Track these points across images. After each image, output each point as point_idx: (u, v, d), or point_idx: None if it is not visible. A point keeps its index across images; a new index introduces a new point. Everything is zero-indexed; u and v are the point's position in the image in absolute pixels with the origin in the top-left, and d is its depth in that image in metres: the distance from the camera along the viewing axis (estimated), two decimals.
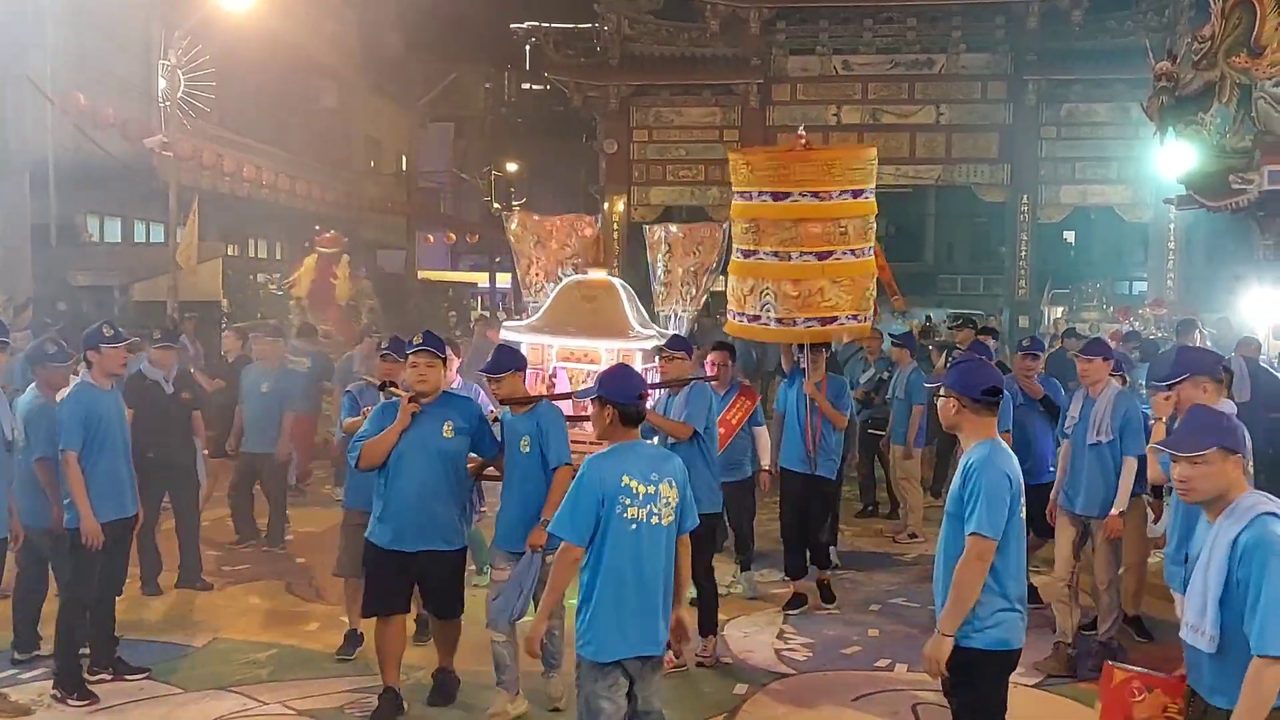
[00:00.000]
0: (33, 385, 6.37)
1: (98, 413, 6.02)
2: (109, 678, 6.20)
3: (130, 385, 7.90)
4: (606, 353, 7.86)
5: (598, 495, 4.17)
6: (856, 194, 7.22)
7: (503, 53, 41.75)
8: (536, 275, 9.01)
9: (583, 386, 7.17)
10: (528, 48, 38.99)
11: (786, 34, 23.97)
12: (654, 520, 4.23)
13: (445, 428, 5.52)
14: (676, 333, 8.08)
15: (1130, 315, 19.38)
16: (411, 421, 5.48)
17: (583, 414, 6.66)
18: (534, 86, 46.58)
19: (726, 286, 7.97)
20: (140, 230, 21.37)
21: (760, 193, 7.29)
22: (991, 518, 3.95)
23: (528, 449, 5.60)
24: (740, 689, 6.23)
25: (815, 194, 7.11)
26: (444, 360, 5.63)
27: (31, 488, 6.17)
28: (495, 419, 6.00)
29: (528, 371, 6.78)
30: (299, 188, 23.58)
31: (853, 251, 7.25)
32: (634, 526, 4.19)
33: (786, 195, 7.15)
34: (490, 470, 5.96)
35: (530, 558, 5.43)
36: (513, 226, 9.33)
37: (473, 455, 5.76)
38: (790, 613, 7.60)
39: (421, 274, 34.71)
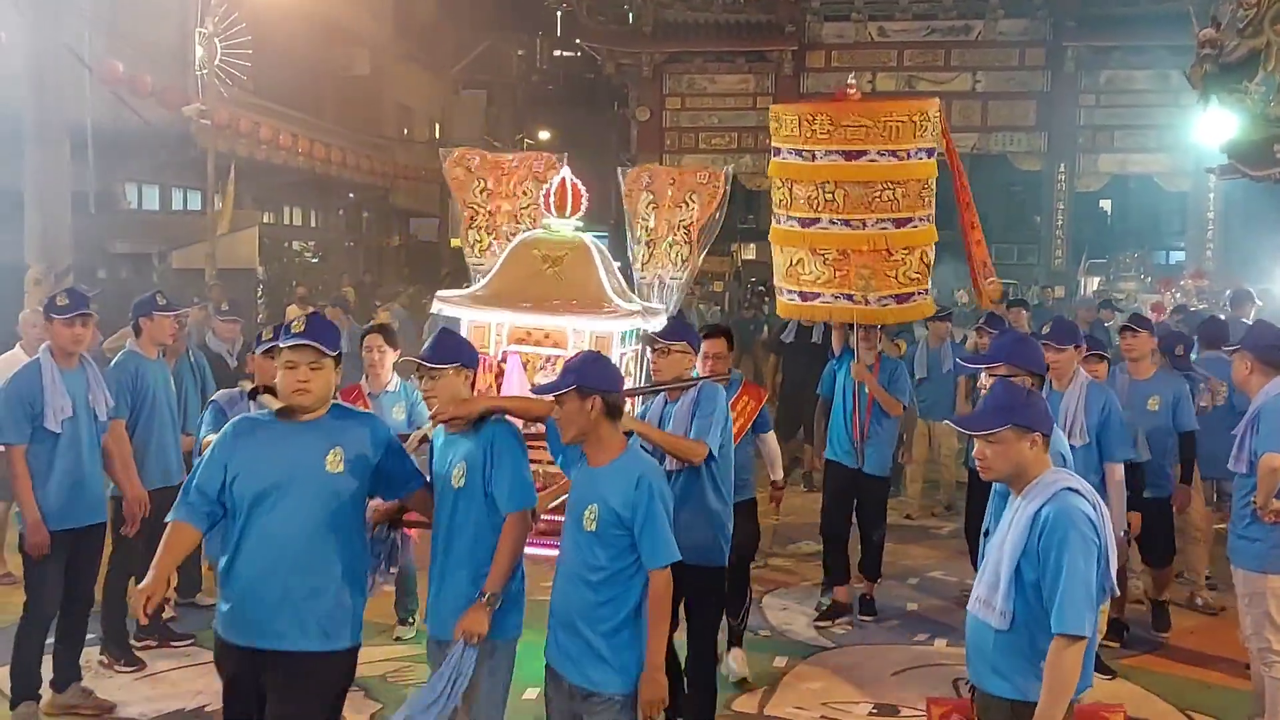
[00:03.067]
0: (126, 345, 6.28)
1: (145, 381, 6.09)
2: (155, 644, 6.33)
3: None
4: (575, 334, 5.87)
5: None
6: (929, 153, 6.61)
7: (535, 19, 41.48)
8: (482, 231, 7.02)
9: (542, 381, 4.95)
10: (560, 14, 38.77)
11: (821, 0, 23.72)
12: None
13: (331, 458, 3.67)
14: (676, 315, 6.34)
15: (1172, 286, 19.14)
16: (280, 444, 3.69)
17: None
18: (566, 54, 46.31)
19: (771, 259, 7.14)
20: (178, 198, 21.50)
21: (829, 151, 6.51)
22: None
23: (463, 481, 3.89)
24: (780, 662, 6.29)
25: (894, 153, 6.46)
26: (336, 358, 3.74)
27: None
28: (424, 437, 4.36)
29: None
30: (333, 155, 23.65)
31: (925, 219, 6.65)
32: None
33: (862, 154, 6.45)
34: (414, 514, 4.21)
35: (461, 652, 3.76)
36: (453, 168, 7.09)
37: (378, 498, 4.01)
38: (824, 625, 6.83)
39: (455, 241, 34.76)
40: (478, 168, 7.02)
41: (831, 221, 6.54)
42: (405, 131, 33.30)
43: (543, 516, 4.53)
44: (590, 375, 3.69)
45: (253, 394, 4.32)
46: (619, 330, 5.84)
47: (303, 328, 3.71)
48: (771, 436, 6.37)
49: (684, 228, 7.04)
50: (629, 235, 7.25)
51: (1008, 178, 30.94)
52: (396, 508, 4.13)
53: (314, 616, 3.61)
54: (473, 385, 4.16)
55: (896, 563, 8.23)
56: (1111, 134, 23.10)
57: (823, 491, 7.31)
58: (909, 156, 6.45)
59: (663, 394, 5.07)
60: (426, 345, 4.16)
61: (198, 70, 16.75)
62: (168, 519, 3.77)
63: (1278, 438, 4.90)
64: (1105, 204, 33.68)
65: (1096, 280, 24.19)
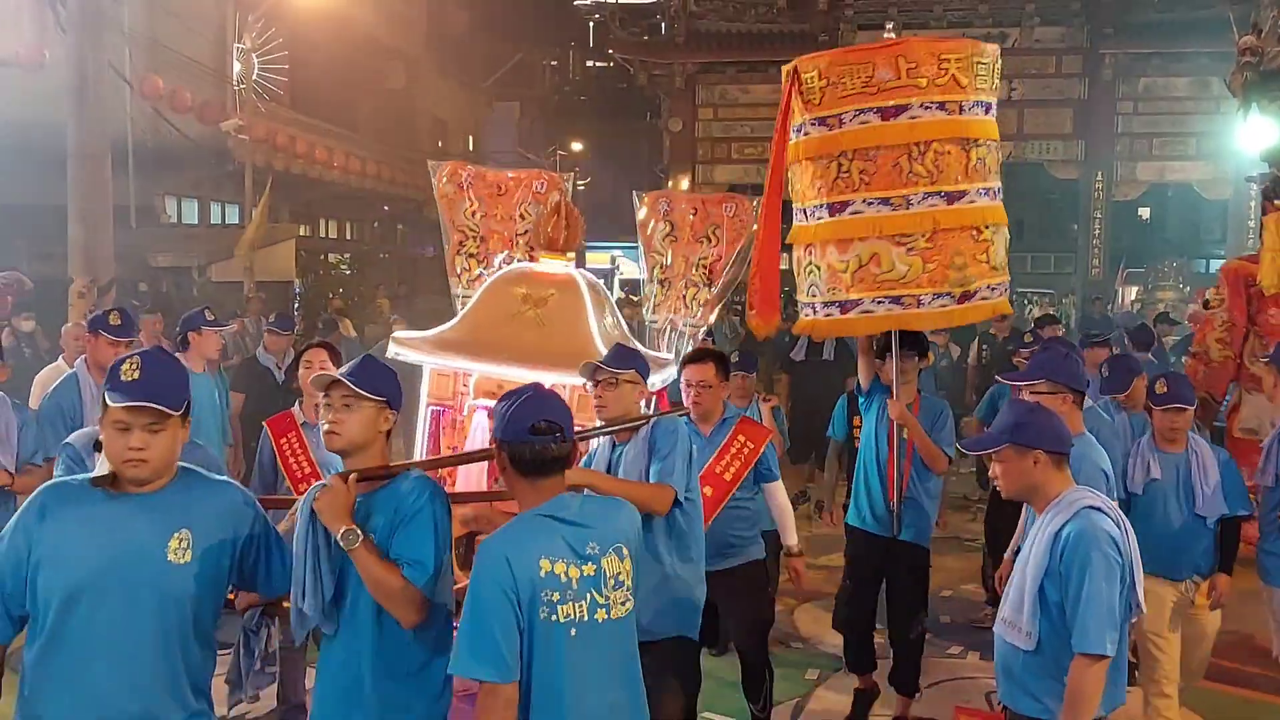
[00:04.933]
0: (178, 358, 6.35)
1: (193, 395, 6.14)
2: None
3: (241, 371, 8.09)
4: (555, 390, 4.32)
5: (508, 595, 2.69)
6: (988, 109, 5.12)
7: (567, 31, 41.70)
8: (471, 259, 6.08)
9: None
10: (592, 25, 38.91)
11: (854, 9, 23.65)
12: (600, 616, 2.80)
13: (174, 544, 2.77)
14: (622, 344, 4.46)
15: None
16: (105, 525, 2.75)
17: (491, 492, 4.22)
18: (598, 65, 46.45)
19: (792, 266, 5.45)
20: (216, 212, 21.80)
21: (860, 111, 4.87)
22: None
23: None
24: (812, 674, 6.26)
25: (942, 105, 4.88)
26: (182, 416, 2.86)
27: None
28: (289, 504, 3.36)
29: (428, 409, 4.54)
30: (369, 169, 23.91)
31: (987, 191, 5.07)
32: (573, 633, 2.75)
33: (904, 109, 4.82)
34: (251, 597, 3.21)
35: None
36: (442, 183, 6.17)
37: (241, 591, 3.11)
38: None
39: None
40: (471, 185, 6.09)
41: (866, 204, 4.90)
42: (439, 144, 33.56)
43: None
44: (496, 420, 2.94)
45: (97, 446, 3.03)
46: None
47: (137, 376, 2.74)
48: (779, 488, 5.07)
49: (704, 266, 6.18)
50: (642, 270, 6.35)
51: (1044, 186, 30.72)
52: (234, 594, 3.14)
53: None
54: (388, 434, 3.14)
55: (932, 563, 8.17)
56: (1150, 142, 22.86)
57: (845, 566, 5.84)
58: (987, 110, 5.10)
59: (610, 437, 4.14)
60: (347, 367, 3.14)
61: (236, 85, 17.03)
62: None
63: None
64: (1144, 212, 33.36)
65: (1134, 290, 23.95)
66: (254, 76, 16.81)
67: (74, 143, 13.96)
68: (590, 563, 2.80)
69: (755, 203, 6.17)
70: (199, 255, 17.16)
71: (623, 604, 2.85)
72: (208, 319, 6.28)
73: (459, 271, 6.07)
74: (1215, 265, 28.10)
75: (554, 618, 2.72)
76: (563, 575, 2.74)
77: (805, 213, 5.21)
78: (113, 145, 14.79)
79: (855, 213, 4.94)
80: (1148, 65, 22.48)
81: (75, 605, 2.68)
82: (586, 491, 3.27)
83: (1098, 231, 23.39)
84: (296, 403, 5.34)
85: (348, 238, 29.04)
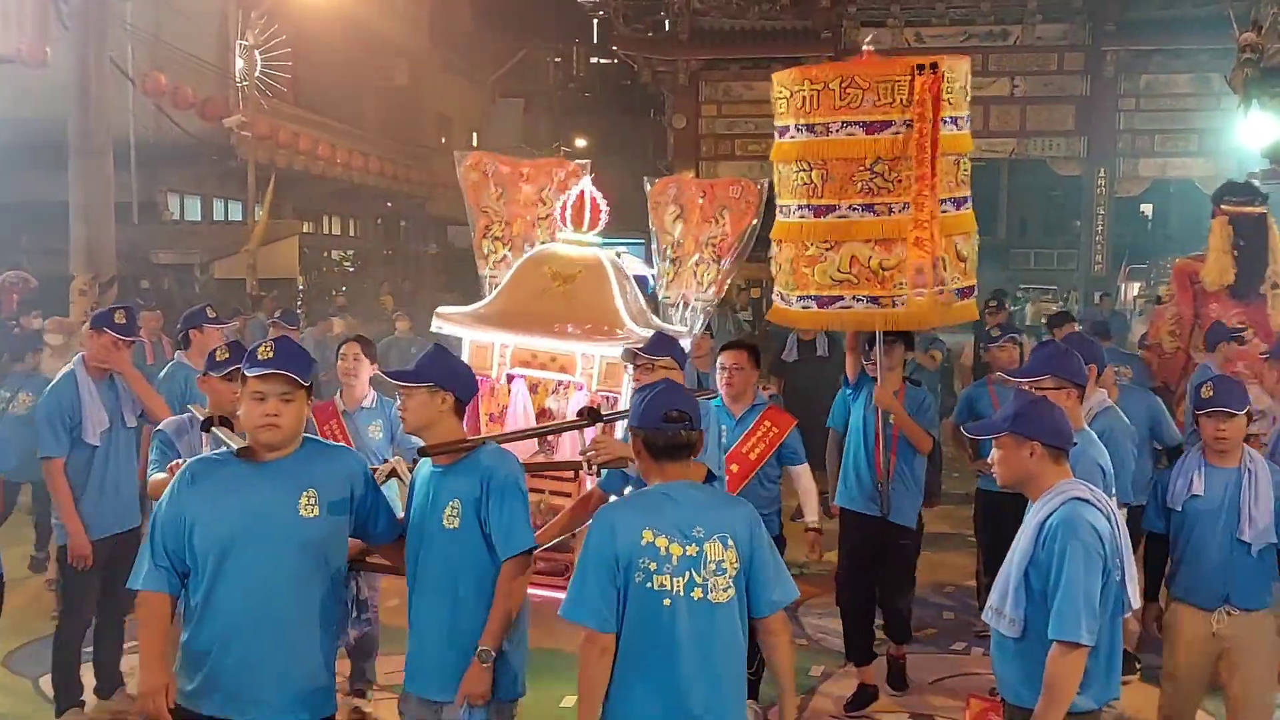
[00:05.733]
0: (175, 357, 6.35)
1: (195, 393, 6.16)
2: None
3: None
4: (584, 359, 5.49)
5: (609, 557, 3.07)
6: (957, 123, 5.31)
7: (571, 27, 41.67)
8: (497, 241, 6.46)
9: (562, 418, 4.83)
10: (596, 22, 38.91)
11: (858, 6, 23.62)
12: (697, 594, 3.07)
13: (304, 501, 3.26)
14: (660, 330, 5.35)
15: None
16: (246, 488, 3.25)
17: (543, 461, 5.01)
18: (602, 61, 46.42)
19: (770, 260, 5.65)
20: (219, 208, 21.83)
21: (846, 124, 5.14)
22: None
23: (456, 522, 3.42)
24: (816, 670, 6.27)
25: (954, 120, 5.22)
26: (308, 388, 3.33)
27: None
28: (391, 471, 3.74)
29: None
30: (371, 165, 23.95)
31: (955, 201, 5.32)
32: (667, 602, 3.06)
33: (887, 125, 5.07)
34: (377, 557, 3.73)
35: (465, 716, 3.39)
36: (464, 171, 6.59)
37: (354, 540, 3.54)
38: (856, 715, 5.72)
39: None
40: (495, 173, 6.50)
41: (848, 208, 5.18)
42: (443, 140, 33.58)
43: (542, 555, 4.20)
44: (633, 409, 3.33)
45: (206, 425, 3.77)
46: None
47: (271, 353, 3.25)
48: (805, 471, 5.52)
49: (712, 245, 6.49)
50: (654, 250, 6.73)
51: (1047, 183, 30.77)
52: (359, 548, 3.61)
53: (293, 683, 3.25)
54: (459, 412, 3.61)
55: (933, 571, 8.18)
56: (1152, 138, 22.83)
57: (838, 548, 6.01)
58: (965, 125, 5.34)
59: None
60: (414, 363, 3.69)
61: (239, 82, 17.05)
62: (133, 586, 3.29)
63: None
64: (1146, 208, 33.38)
65: (1137, 285, 23.94)
66: (257, 73, 16.83)
67: (76, 139, 13.98)
68: (693, 544, 3.08)
69: (760, 186, 6.46)
70: (201, 252, 17.20)
71: (724, 590, 3.10)
72: (209, 316, 6.27)
73: (485, 253, 6.44)
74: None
75: (649, 585, 3.05)
76: (663, 549, 3.06)
77: (788, 210, 5.42)
78: (115, 142, 14.79)
79: (841, 216, 5.19)
80: (1149, 62, 22.44)
81: (227, 556, 3.19)
82: (716, 483, 3.69)
83: (1100, 228, 23.37)
84: (338, 392, 5.76)
85: (351, 234, 29.07)
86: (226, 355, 4.25)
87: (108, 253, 14.05)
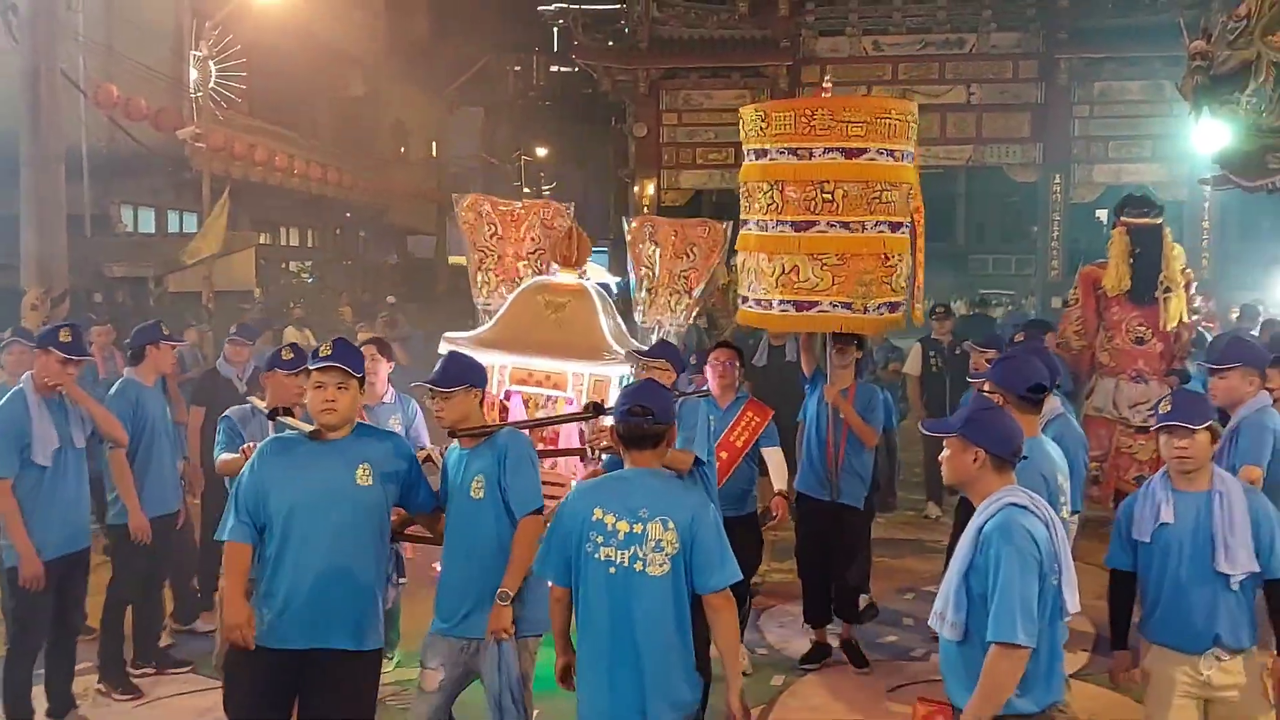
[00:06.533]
0: (125, 374, 6.23)
1: (146, 409, 6.10)
2: (153, 671, 6.31)
3: (202, 383, 7.93)
4: (574, 377, 6.33)
5: (565, 528, 3.65)
6: (894, 155, 5.94)
7: (531, 36, 41.68)
8: (490, 274, 7.36)
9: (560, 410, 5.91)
10: (556, 31, 38.91)
11: (816, 15, 23.78)
12: (638, 567, 3.54)
13: (360, 472, 3.98)
14: (663, 340, 6.51)
15: None
16: (312, 462, 4.00)
17: (553, 448, 5.95)
18: (563, 70, 46.41)
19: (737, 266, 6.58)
20: (174, 220, 21.59)
21: (780, 149, 5.92)
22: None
23: (482, 493, 4.21)
24: (778, 680, 6.28)
25: (844, 151, 5.81)
26: (360, 380, 4.10)
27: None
28: (426, 458, 4.56)
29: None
30: (329, 175, 23.77)
31: (891, 225, 5.94)
32: (612, 570, 3.56)
33: (809, 152, 5.83)
34: (415, 529, 4.57)
35: (495, 652, 4.20)
36: (463, 212, 7.43)
37: (397, 509, 4.30)
38: (808, 667, 6.43)
39: (452, 259, 34.90)
40: (488, 213, 7.33)
41: (829, 225, 5.86)
42: (402, 150, 33.42)
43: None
44: (616, 403, 3.90)
45: (272, 414, 4.57)
46: (616, 374, 6.21)
47: (330, 351, 4.03)
48: (777, 450, 6.27)
49: (684, 277, 7.38)
50: (632, 282, 7.58)
51: (1004, 189, 31.06)
52: (399, 520, 4.38)
53: (350, 618, 3.97)
54: (481, 402, 4.51)
55: (893, 576, 8.21)
56: (1106, 145, 23.12)
57: (796, 529, 6.78)
58: (903, 158, 5.97)
59: None
60: (436, 369, 4.45)
61: (193, 93, 16.83)
62: (221, 538, 4.05)
63: (1255, 451, 4.91)
64: (1101, 214, 33.74)
65: None
66: (211, 84, 16.64)
67: (27, 151, 13.78)
68: (639, 523, 3.55)
69: (725, 225, 7.36)
70: (155, 265, 16.96)
71: (660, 566, 3.55)
72: (164, 333, 6.23)
73: (480, 285, 7.34)
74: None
75: (596, 555, 3.57)
76: (610, 525, 3.57)
77: (753, 224, 6.14)
78: (67, 153, 14.58)
79: (819, 231, 5.88)
80: (1102, 69, 22.74)
81: (295, 517, 3.92)
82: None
83: (1056, 233, 23.66)
84: None
85: (309, 245, 28.83)
86: (292, 355, 5.06)
87: (59, 266, 13.84)
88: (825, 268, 5.88)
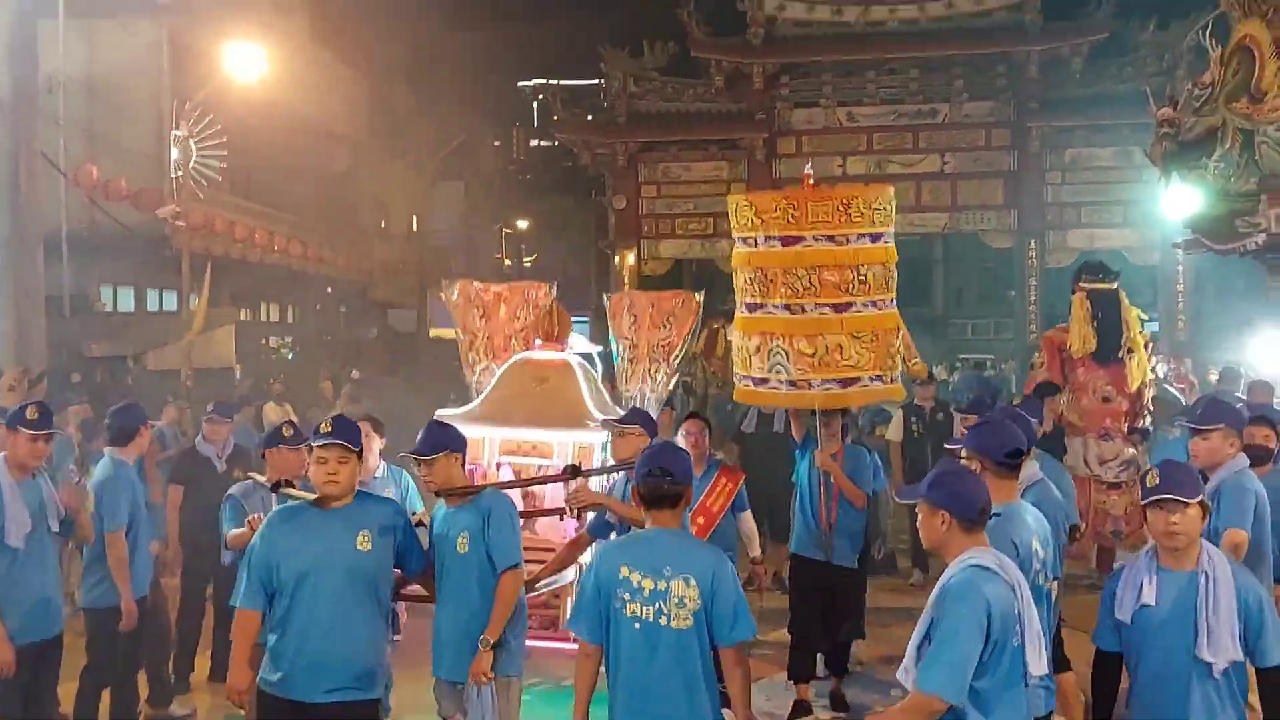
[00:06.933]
0: (107, 451, 6.22)
1: (135, 491, 6.16)
2: None
3: (181, 462, 7.87)
4: (559, 445, 6.71)
5: (594, 585, 3.89)
6: (875, 238, 6.37)
7: (511, 111, 42.25)
8: (480, 352, 7.78)
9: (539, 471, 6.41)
10: (535, 106, 39.39)
11: (790, 88, 24.15)
12: (663, 621, 3.77)
13: (360, 538, 4.30)
14: (636, 407, 6.94)
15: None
16: (316, 529, 4.30)
17: (535, 509, 6.36)
18: (542, 144, 47.00)
19: (731, 346, 7.09)
20: (153, 298, 21.57)
21: (768, 238, 6.37)
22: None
23: (466, 548, 4.63)
24: None
25: (830, 238, 6.24)
26: (359, 453, 4.42)
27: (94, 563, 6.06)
28: (420, 522, 4.95)
29: (467, 467, 5.69)
30: (310, 251, 23.82)
31: (874, 303, 6.36)
32: (638, 625, 3.80)
33: (799, 240, 6.27)
34: (412, 588, 4.94)
35: (477, 694, 4.65)
36: (453, 297, 7.91)
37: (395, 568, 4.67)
38: None
39: (434, 332, 34.90)
40: (476, 296, 7.81)
41: (774, 307, 6.36)
42: (383, 224, 33.59)
43: (534, 611, 5.27)
44: (637, 466, 4.10)
45: (275, 487, 4.80)
46: (599, 441, 6.62)
47: (331, 428, 4.34)
48: (748, 515, 6.55)
49: (662, 347, 7.86)
50: (614, 352, 7.96)
51: (980, 254, 31.31)
52: (397, 580, 4.70)
53: (354, 671, 4.29)
54: (462, 465, 4.95)
55: (880, 644, 8.12)
56: (1079, 210, 23.42)
57: (790, 588, 7.03)
58: (848, 241, 6.31)
59: (623, 472, 5.70)
60: (419, 438, 4.84)
61: (173, 172, 16.91)
62: (234, 604, 4.40)
63: (1238, 514, 4.90)
64: None
65: None
66: (192, 163, 16.73)
67: (6, 233, 13.81)
68: (662, 579, 3.78)
69: (698, 297, 7.93)
70: (134, 343, 16.91)
71: (684, 620, 3.78)
72: (145, 416, 6.37)
73: (471, 363, 7.78)
74: (1149, 329, 28.74)
75: (624, 611, 3.79)
76: (636, 582, 3.79)
77: (748, 306, 6.51)
78: (46, 235, 14.64)
79: (767, 313, 6.34)
80: (1073, 137, 23.11)
81: (304, 581, 4.22)
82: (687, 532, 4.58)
83: (1033, 298, 23.85)
84: None
85: (289, 321, 28.80)
86: (292, 432, 5.38)
87: (38, 347, 13.81)
88: (861, 344, 6.28)
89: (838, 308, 6.25)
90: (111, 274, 19.69)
